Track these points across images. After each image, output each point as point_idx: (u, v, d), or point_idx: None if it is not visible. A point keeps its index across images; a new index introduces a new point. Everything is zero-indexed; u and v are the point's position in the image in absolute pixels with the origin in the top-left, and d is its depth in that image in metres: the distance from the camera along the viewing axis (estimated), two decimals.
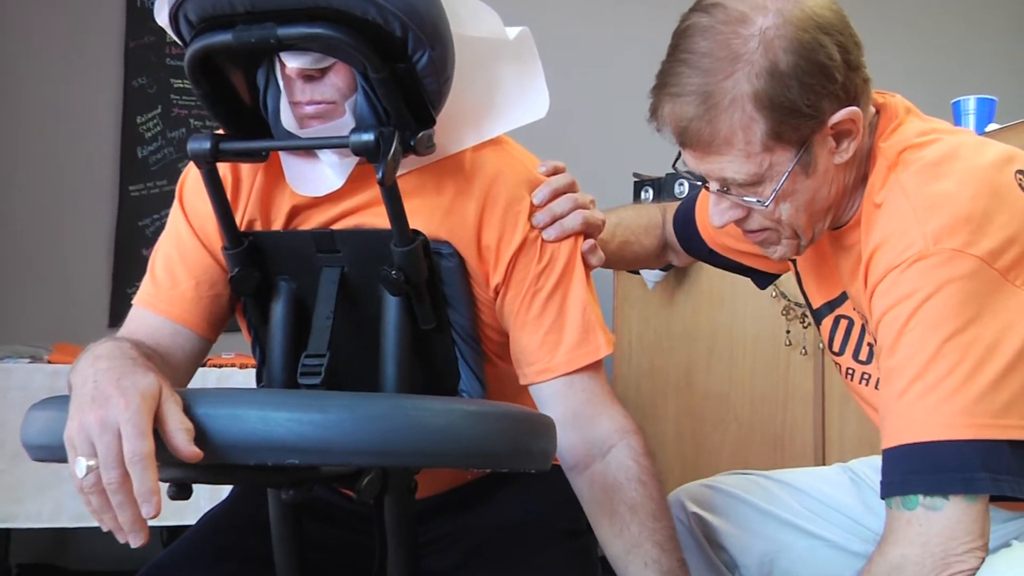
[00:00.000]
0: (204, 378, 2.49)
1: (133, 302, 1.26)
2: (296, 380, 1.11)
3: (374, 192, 1.13)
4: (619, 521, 1.13)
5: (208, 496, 2.25)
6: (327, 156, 1.13)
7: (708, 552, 1.32)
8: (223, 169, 1.20)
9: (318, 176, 1.14)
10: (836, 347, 1.20)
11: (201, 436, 0.86)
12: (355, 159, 1.11)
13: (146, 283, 1.25)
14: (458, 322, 1.18)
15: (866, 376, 1.16)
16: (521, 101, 1.19)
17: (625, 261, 1.46)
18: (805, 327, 2.23)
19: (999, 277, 0.93)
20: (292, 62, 1.04)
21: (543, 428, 0.97)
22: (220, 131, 1.14)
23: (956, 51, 3.96)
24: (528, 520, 1.23)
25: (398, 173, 1.07)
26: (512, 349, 1.20)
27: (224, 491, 1.40)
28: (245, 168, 1.21)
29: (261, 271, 1.18)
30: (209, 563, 1.19)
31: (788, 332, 2.27)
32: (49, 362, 2.49)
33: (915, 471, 0.92)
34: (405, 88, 1.05)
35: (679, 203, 1.45)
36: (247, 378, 2.52)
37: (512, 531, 1.22)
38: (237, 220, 1.20)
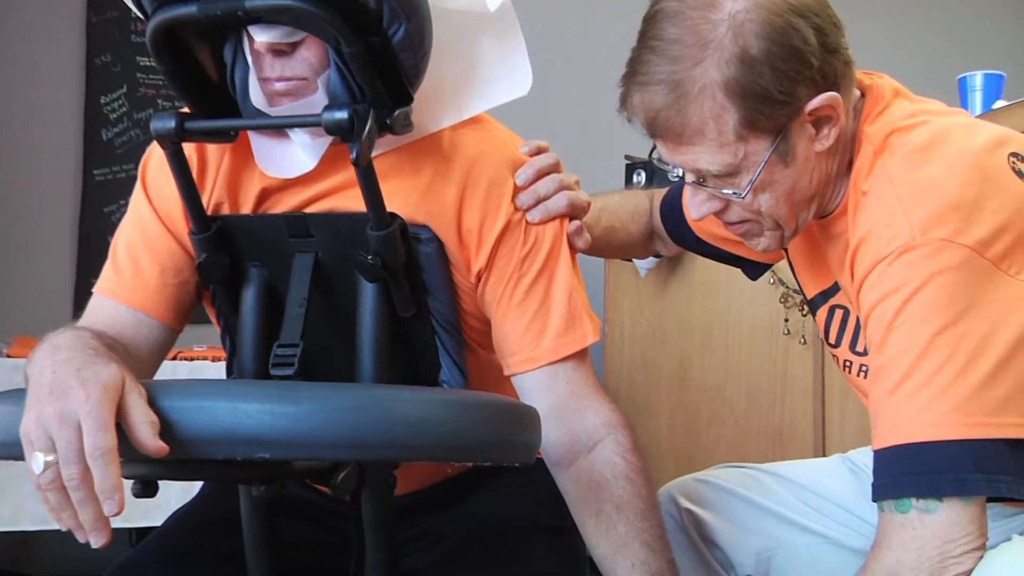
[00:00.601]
0: (175, 371, 2.49)
1: (94, 290, 1.25)
2: (268, 371, 1.11)
3: (349, 173, 1.13)
4: (605, 520, 1.14)
5: (179, 496, 2.24)
6: (299, 136, 1.13)
7: (701, 550, 1.33)
8: (188, 150, 1.20)
9: (289, 157, 1.14)
10: (832, 338, 1.20)
11: (166, 429, 0.85)
12: (328, 139, 1.11)
13: (107, 270, 1.25)
14: (438, 310, 1.18)
15: (864, 368, 1.16)
16: (502, 77, 1.19)
17: (611, 248, 1.47)
18: (804, 315, 2.24)
19: (991, 267, 0.92)
20: (261, 36, 1.04)
21: (527, 419, 0.97)
22: (186, 110, 1.13)
23: (963, 26, 3.97)
24: (512, 517, 1.24)
25: (373, 153, 1.06)
26: (495, 338, 1.20)
27: (195, 491, 1.40)
28: (212, 149, 1.21)
29: (230, 257, 1.18)
30: (177, 564, 1.19)
31: (786, 320, 2.28)
32: (8, 356, 2.48)
33: (906, 473, 0.92)
34: (380, 64, 1.05)
35: (667, 189, 1.45)
36: (220, 371, 2.52)
37: (495, 529, 1.22)
38: (204, 203, 1.20)
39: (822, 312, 1.21)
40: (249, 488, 1.09)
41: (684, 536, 1.33)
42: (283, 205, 1.19)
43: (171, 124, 1.08)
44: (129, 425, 0.85)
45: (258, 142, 1.16)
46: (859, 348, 1.17)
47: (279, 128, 1.11)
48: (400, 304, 1.15)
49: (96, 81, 3.31)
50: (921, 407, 0.92)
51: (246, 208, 1.20)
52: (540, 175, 1.21)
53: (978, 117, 1.54)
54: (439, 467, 1.29)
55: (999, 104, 2.05)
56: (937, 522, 0.91)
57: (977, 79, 2.10)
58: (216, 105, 1.14)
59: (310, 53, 1.06)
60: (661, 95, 1.01)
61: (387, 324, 1.13)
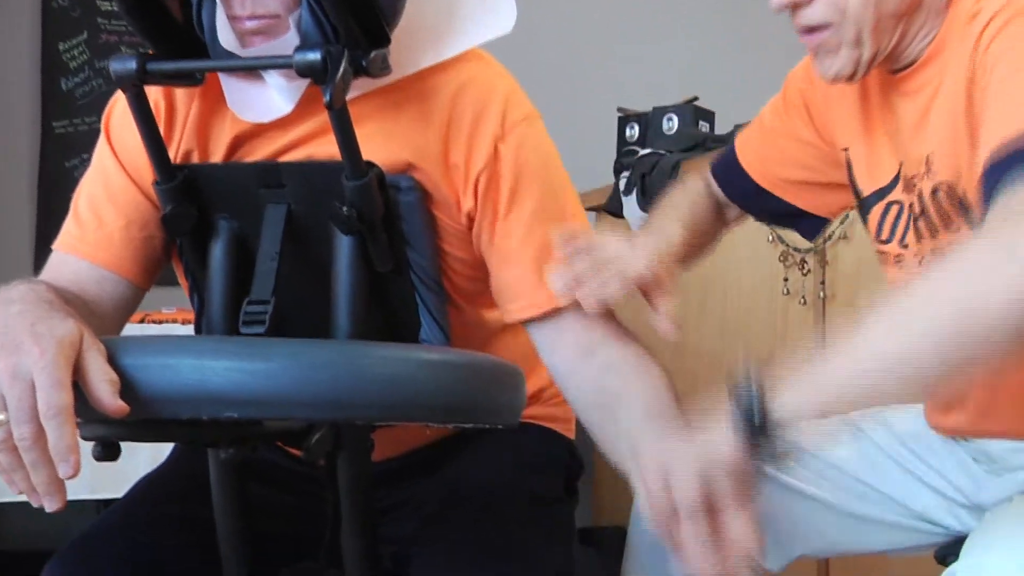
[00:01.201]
0: (143, 334, 2.49)
1: (53, 246, 1.25)
2: (238, 329, 1.11)
3: (325, 120, 1.13)
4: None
5: (148, 464, 2.24)
6: (273, 78, 1.12)
7: None
8: (155, 95, 1.19)
9: (264, 100, 1.13)
10: (885, 234, 1.22)
11: (127, 388, 0.85)
12: (305, 81, 1.10)
13: (68, 225, 1.25)
14: (418, 263, 1.18)
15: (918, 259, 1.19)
16: (484, 13, 1.18)
17: (703, 249, 1.45)
18: (804, 274, 2.24)
19: None
20: None
21: (510, 378, 0.97)
22: (150, 51, 1.12)
23: None
24: (497, 485, 1.24)
25: (349, 96, 1.06)
26: (494, 286, 1.19)
27: (165, 453, 1.40)
28: (180, 94, 1.20)
29: (198, 209, 1.17)
30: (143, 532, 1.19)
31: (786, 280, 2.29)
32: None
33: None
34: (355, 1, 1.04)
35: (715, 157, 1.45)
36: (189, 333, 2.52)
37: (480, 498, 1.23)
38: (172, 153, 1.19)
39: (877, 209, 1.22)
40: (217, 451, 1.09)
41: None
42: (257, 153, 1.18)
43: (132, 66, 1.07)
44: (87, 383, 0.85)
45: (231, 85, 1.15)
46: (908, 241, 1.19)
47: (248, 69, 1.11)
48: (377, 258, 1.15)
49: (53, 26, 3.27)
50: None
51: (217, 157, 1.19)
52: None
53: None
54: (419, 431, 1.29)
55: None
56: None
57: None
58: (182, 47, 1.13)
59: None
60: None
61: (364, 279, 1.13)
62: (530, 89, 1.28)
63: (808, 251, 2.23)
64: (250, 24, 1.08)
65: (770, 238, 2.30)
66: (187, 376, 0.85)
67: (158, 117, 1.18)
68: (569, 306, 1.14)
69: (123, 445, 0.97)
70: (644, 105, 3.02)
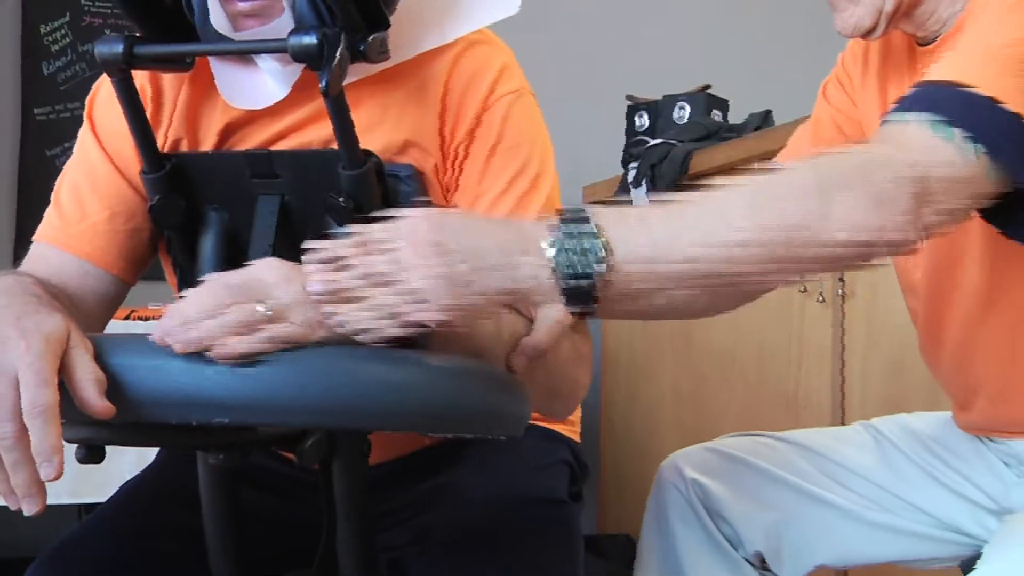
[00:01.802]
0: (128, 332, 2.49)
1: (34, 237, 1.25)
2: None
3: (321, 105, 1.13)
4: None
5: (133, 469, 2.25)
6: (267, 62, 1.12)
7: (708, 524, 1.33)
8: (142, 80, 1.19)
9: (256, 86, 1.13)
10: None
11: (114, 388, 0.85)
12: (300, 66, 1.10)
13: (50, 215, 1.25)
14: None
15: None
16: None
17: None
18: None
19: None
20: None
21: (516, 388, 0.97)
22: (137, 34, 1.12)
23: None
24: (498, 488, 1.24)
25: (345, 81, 1.06)
26: None
27: (151, 456, 1.40)
28: (168, 79, 1.20)
29: (186, 200, 1.17)
30: (128, 539, 1.19)
31: None
32: None
33: (971, 107, 0.93)
34: None
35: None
36: None
37: (480, 501, 1.23)
38: (160, 141, 1.19)
39: None
40: (207, 456, 1.09)
41: (690, 510, 1.34)
42: (249, 141, 1.18)
43: (118, 49, 1.07)
44: (73, 382, 0.85)
45: (221, 70, 1.15)
46: None
47: (240, 53, 1.11)
48: None
49: (34, 8, 3.27)
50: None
51: (207, 145, 1.19)
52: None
53: None
54: (417, 435, 1.29)
55: None
56: (956, 167, 0.91)
57: None
58: (171, 30, 1.13)
59: None
60: None
61: None
62: (535, 74, 1.28)
63: None
64: (243, 6, 1.08)
65: None
66: (177, 378, 0.84)
67: (145, 103, 1.18)
68: None
69: (108, 448, 0.97)
70: (654, 92, 3.02)
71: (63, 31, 3.29)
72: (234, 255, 1.17)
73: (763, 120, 2.71)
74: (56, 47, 3.28)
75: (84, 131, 1.25)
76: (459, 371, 0.91)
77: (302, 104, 1.16)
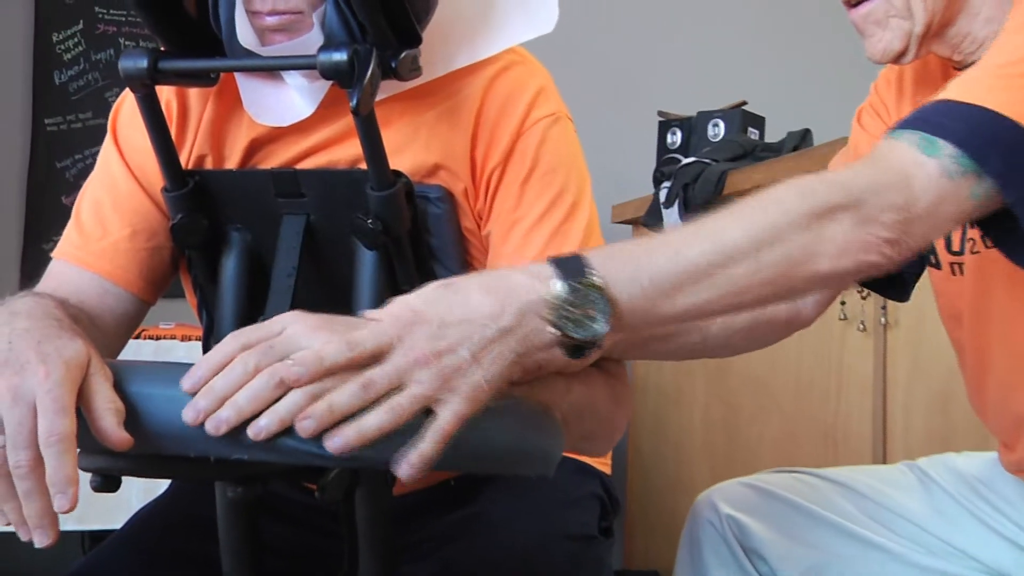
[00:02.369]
0: (139, 351, 2.50)
1: (53, 254, 1.26)
2: None
3: (350, 122, 1.14)
4: None
5: (141, 495, 2.26)
6: (294, 78, 1.14)
7: (744, 562, 1.33)
8: (167, 95, 1.21)
9: (283, 102, 1.15)
10: (955, 245, 1.27)
11: (132, 419, 0.86)
12: (328, 82, 1.12)
13: (70, 232, 1.26)
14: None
15: (956, 265, 1.24)
16: (523, 11, 1.20)
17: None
18: (864, 298, 2.24)
19: None
20: None
21: (547, 425, 0.97)
22: (161, 48, 1.14)
23: None
24: (526, 523, 1.24)
25: (376, 99, 1.07)
26: None
27: (163, 486, 1.41)
28: (194, 94, 1.22)
29: (209, 218, 1.19)
30: (141, 568, 1.20)
31: (843, 304, 2.28)
32: None
33: (962, 120, 0.97)
34: None
35: None
36: (190, 352, 2.53)
37: (507, 535, 1.23)
38: (184, 157, 1.20)
39: None
40: (225, 487, 1.10)
41: (725, 547, 1.34)
42: (275, 158, 1.20)
43: (143, 63, 1.09)
44: (91, 411, 0.86)
45: (247, 86, 1.17)
46: (954, 247, 1.25)
47: (268, 70, 1.12)
48: (403, 275, 1.16)
49: (47, 15, 3.31)
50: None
51: (232, 162, 1.21)
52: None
53: None
54: None
55: None
56: (939, 186, 0.95)
57: None
58: (195, 43, 1.15)
59: None
60: None
61: (387, 297, 1.13)
62: (566, 91, 1.29)
63: None
64: (271, 20, 1.09)
65: None
66: None
67: (170, 119, 1.20)
68: None
69: None
70: (688, 109, 3.03)
71: (76, 39, 3.33)
72: (257, 276, 1.18)
73: (802, 139, 2.71)
74: (68, 56, 3.32)
75: (107, 146, 1.27)
76: (488, 408, 0.91)
77: (330, 121, 1.18)
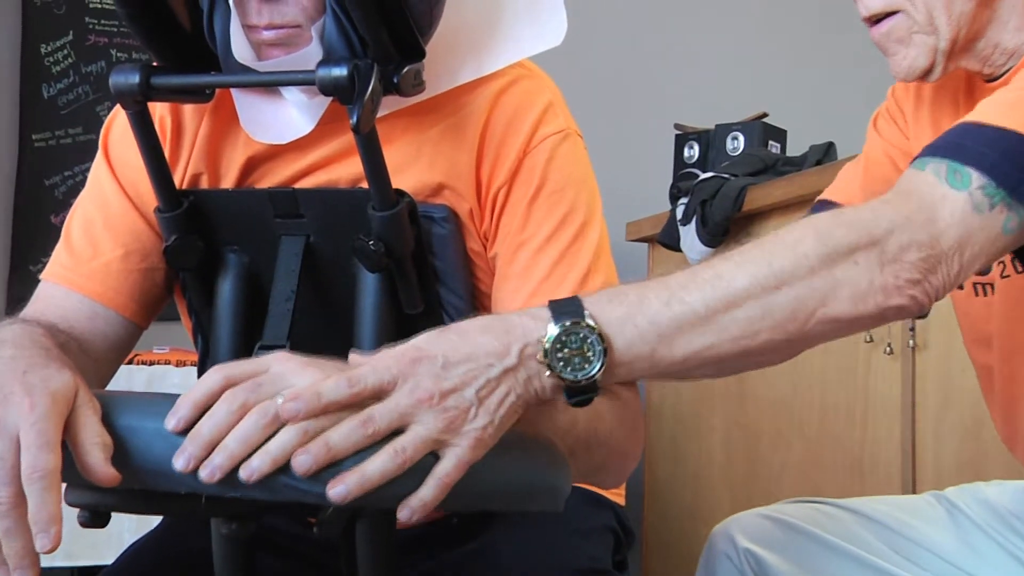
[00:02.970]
0: (130, 378, 2.51)
1: (42, 276, 1.27)
2: None
3: (350, 140, 1.15)
4: None
5: (134, 529, 2.27)
6: (293, 94, 1.15)
7: None
8: (161, 111, 1.22)
9: (281, 118, 1.16)
10: None
11: (120, 454, 0.86)
12: (328, 98, 1.13)
13: (59, 253, 1.27)
14: (452, 304, 1.20)
15: (984, 286, 1.24)
16: (531, 23, 1.21)
17: None
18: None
19: None
20: None
21: (552, 460, 0.98)
22: (154, 63, 1.15)
23: None
24: (536, 557, 1.24)
25: (378, 115, 1.08)
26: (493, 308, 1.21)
27: (156, 519, 1.42)
28: (188, 111, 1.23)
29: (204, 240, 1.20)
30: None
31: None
32: None
33: (995, 147, 0.95)
34: (386, 9, 1.07)
35: None
36: (185, 379, 2.54)
37: (515, 571, 1.23)
38: (178, 176, 1.22)
39: None
40: (219, 524, 1.10)
41: None
42: (273, 177, 1.21)
43: (135, 79, 1.10)
44: (77, 445, 0.86)
45: (244, 102, 1.18)
46: (1007, 271, 1.23)
47: (265, 86, 1.13)
48: (406, 298, 1.16)
49: (35, 26, 3.33)
50: None
51: (228, 181, 1.22)
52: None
53: None
54: None
55: None
56: (967, 223, 0.93)
57: None
58: (189, 57, 1.16)
59: None
60: None
61: (390, 322, 1.15)
62: (576, 102, 1.30)
63: None
64: (267, 35, 1.11)
65: None
66: None
67: (163, 136, 1.21)
68: None
69: None
70: (706, 122, 3.04)
71: (65, 51, 3.34)
72: (254, 300, 1.19)
73: (825, 153, 2.72)
74: (57, 68, 3.33)
75: (98, 163, 1.28)
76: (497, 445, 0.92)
77: (330, 139, 1.19)
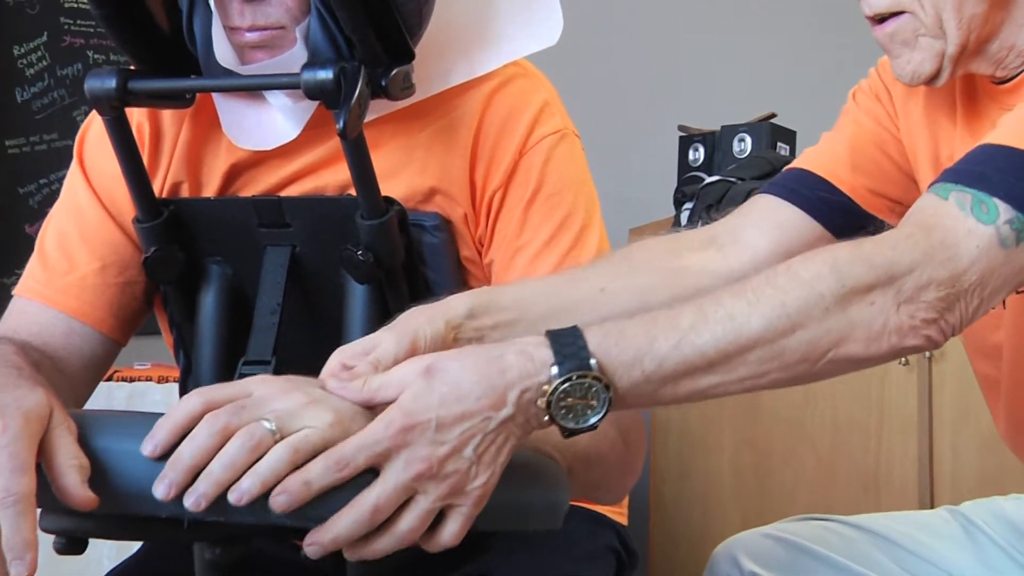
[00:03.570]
0: (111, 395, 2.51)
1: (15, 291, 1.27)
2: None
3: (337, 146, 1.16)
4: None
5: (113, 554, 2.27)
6: (277, 98, 1.16)
7: None
8: (139, 117, 1.23)
9: (265, 124, 1.17)
10: None
11: (98, 476, 0.86)
12: (314, 102, 1.13)
13: (33, 266, 1.27)
14: None
15: None
16: (525, 22, 1.21)
17: None
18: None
19: None
20: None
21: (550, 476, 0.98)
22: (131, 66, 1.16)
23: None
24: None
25: (366, 119, 1.09)
26: None
27: (136, 544, 1.42)
28: (167, 116, 1.24)
29: (186, 251, 1.20)
30: None
31: None
32: None
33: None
34: (373, 9, 1.07)
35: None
36: (168, 396, 2.54)
37: None
38: (158, 185, 1.22)
39: None
40: (203, 549, 1.10)
41: None
42: (257, 185, 1.22)
43: (111, 84, 1.11)
44: (52, 468, 0.86)
45: (226, 107, 1.18)
46: None
47: (248, 89, 1.14)
48: (397, 311, 1.16)
49: (8, 27, 3.32)
50: None
51: (210, 189, 1.23)
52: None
53: None
54: None
55: None
56: (992, 258, 0.93)
57: None
58: (168, 61, 1.17)
59: None
60: None
61: None
62: (574, 103, 1.30)
63: None
64: (250, 36, 1.11)
65: None
66: None
67: (141, 143, 1.22)
68: None
69: None
70: (711, 123, 3.04)
71: (39, 53, 3.34)
72: (238, 314, 1.20)
73: None
74: (31, 71, 3.33)
75: (73, 172, 1.28)
76: None
77: (316, 144, 1.19)
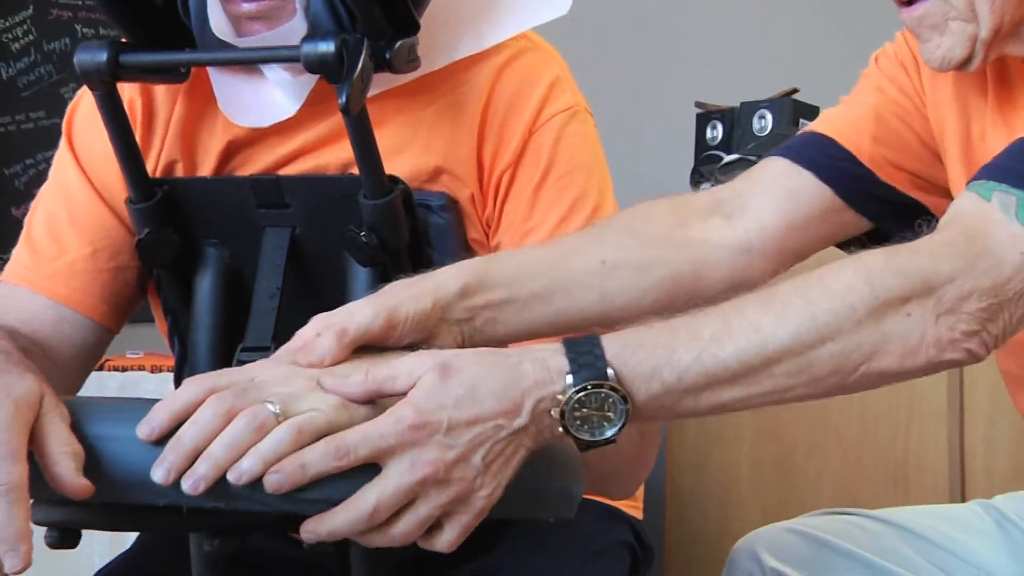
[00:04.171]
0: (102, 385, 2.52)
1: (1, 277, 1.28)
2: None
3: (339, 122, 1.16)
4: None
5: (106, 549, 2.28)
6: (275, 72, 1.16)
7: None
8: (130, 93, 1.23)
9: (264, 99, 1.17)
10: None
11: (93, 463, 0.86)
12: (314, 77, 1.13)
13: (20, 252, 1.28)
14: None
15: None
16: None
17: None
18: None
19: None
20: None
21: (566, 461, 0.99)
22: (123, 39, 1.16)
23: None
24: (547, 574, 1.25)
25: (369, 94, 1.09)
26: None
27: (129, 538, 1.43)
28: (160, 92, 1.24)
29: (180, 233, 1.21)
30: None
31: None
32: None
33: None
34: None
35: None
36: (161, 386, 2.54)
37: None
38: (151, 164, 1.22)
39: None
40: (200, 541, 1.11)
41: None
42: (255, 164, 1.22)
43: (102, 57, 1.11)
44: (45, 456, 0.86)
45: (222, 82, 1.19)
46: None
47: (245, 63, 1.14)
48: None
49: None
50: None
51: (206, 168, 1.23)
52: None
53: None
54: None
55: None
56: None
57: None
58: (161, 33, 1.17)
59: None
60: None
61: None
62: (586, 78, 1.30)
63: None
64: (247, 7, 1.11)
65: None
66: None
67: (133, 120, 1.22)
68: None
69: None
70: (730, 99, 3.04)
71: (25, 27, 3.34)
72: (235, 298, 1.20)
73: None
74: (17, 46, 3.33)
75: (61, 152, 1.28)
76: None
77: (317, 121, 1.19)
